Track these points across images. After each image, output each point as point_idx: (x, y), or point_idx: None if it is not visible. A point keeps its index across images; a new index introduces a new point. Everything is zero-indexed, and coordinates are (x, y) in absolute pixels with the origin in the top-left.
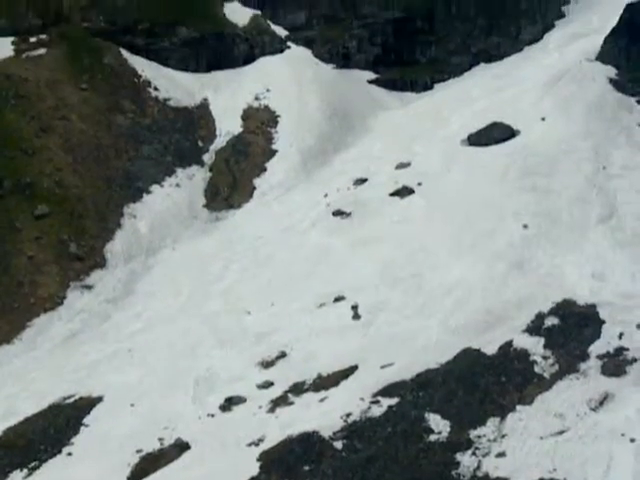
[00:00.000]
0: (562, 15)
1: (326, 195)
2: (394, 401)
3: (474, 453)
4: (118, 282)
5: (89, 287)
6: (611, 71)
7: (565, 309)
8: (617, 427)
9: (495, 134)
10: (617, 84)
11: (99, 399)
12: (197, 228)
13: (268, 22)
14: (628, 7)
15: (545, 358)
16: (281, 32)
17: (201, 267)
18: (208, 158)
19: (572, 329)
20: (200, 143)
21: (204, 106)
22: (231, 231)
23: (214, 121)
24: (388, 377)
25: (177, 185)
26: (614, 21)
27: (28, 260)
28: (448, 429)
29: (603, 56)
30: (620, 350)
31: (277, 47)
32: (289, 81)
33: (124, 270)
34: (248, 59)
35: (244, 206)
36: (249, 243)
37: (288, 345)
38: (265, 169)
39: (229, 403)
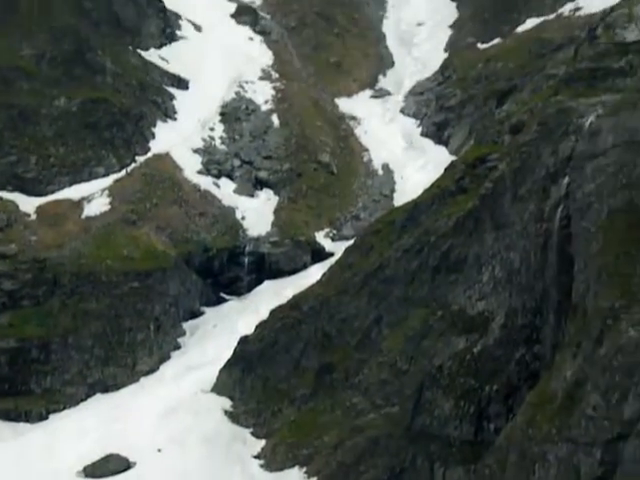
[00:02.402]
0: (178, 346)
1: None
2: None
3: None
4: None
5: None
6: (226, 402)
7: None
8: None
9: (111, 466)
10: (232, 415)
11: None
12: None
13: None
14: (241, 339)
15: None
16: None
17: None
18: None
19: None
20: None
21: None
22: None
23: None
24: None
25: None
26: (229, 353)
27: None
28: None
29: (219, 387)
30: None
31: None
32: None
33: None
34: None
35: None
36: None
37: None
38: None
39: None
